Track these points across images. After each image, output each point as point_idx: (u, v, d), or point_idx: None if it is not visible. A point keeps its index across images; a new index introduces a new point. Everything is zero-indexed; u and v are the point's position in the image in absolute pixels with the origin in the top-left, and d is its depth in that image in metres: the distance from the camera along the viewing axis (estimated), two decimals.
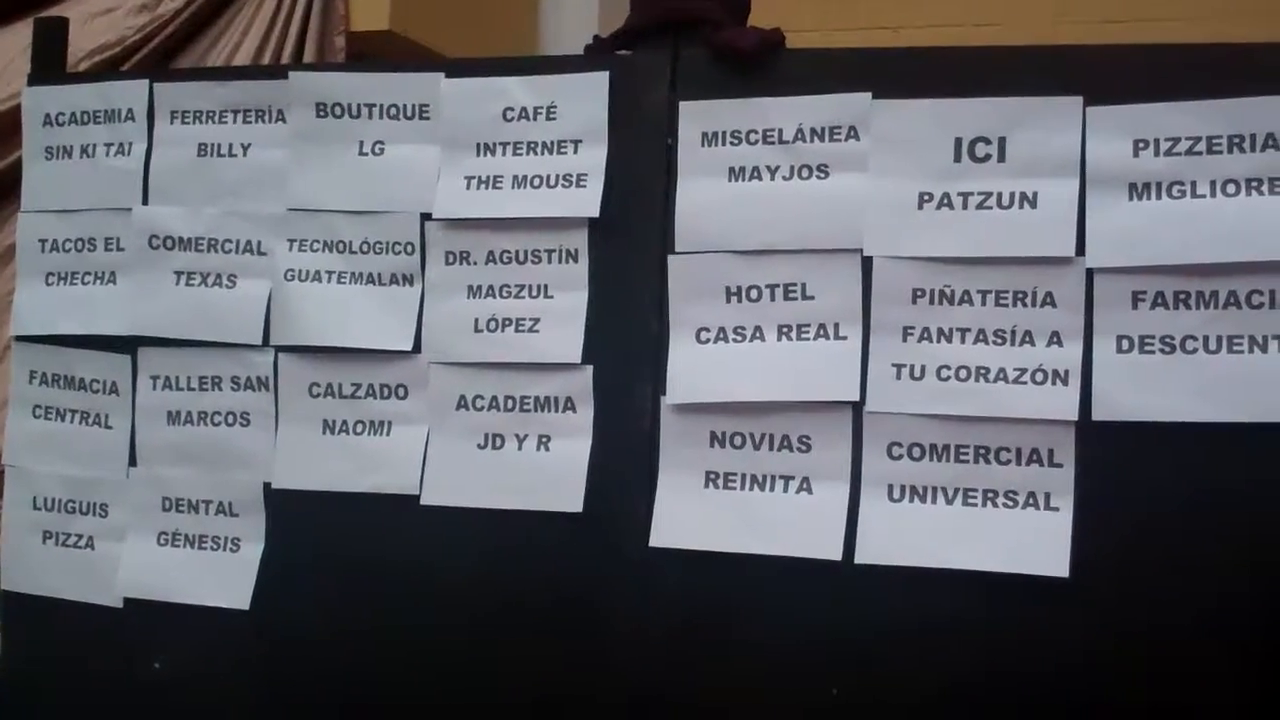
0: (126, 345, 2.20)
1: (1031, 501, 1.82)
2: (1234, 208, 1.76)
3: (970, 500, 1.84)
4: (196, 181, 2.18)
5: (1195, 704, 1.76)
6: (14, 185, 2.34)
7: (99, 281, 2.22)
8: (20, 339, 2.26)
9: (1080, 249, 1.81)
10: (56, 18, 2.35)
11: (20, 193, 2.28)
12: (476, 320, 2.04)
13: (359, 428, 2.09)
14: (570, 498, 1.97)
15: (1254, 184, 1.76)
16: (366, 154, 2.10)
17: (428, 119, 2.07)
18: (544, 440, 2.00)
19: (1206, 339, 1.77)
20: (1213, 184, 1.77)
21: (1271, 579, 1.74)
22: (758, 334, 1.92)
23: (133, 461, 2.20)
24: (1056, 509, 1.81)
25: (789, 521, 1.89)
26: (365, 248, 2.08)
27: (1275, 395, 1.74)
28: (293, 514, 2.12)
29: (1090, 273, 1.81)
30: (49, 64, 2.28)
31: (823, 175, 1.90)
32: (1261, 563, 1.74)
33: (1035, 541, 1.81)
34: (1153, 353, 1.78)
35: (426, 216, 2.06)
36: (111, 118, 2.21)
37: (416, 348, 2.06)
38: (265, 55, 2.90)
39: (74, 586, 2.21)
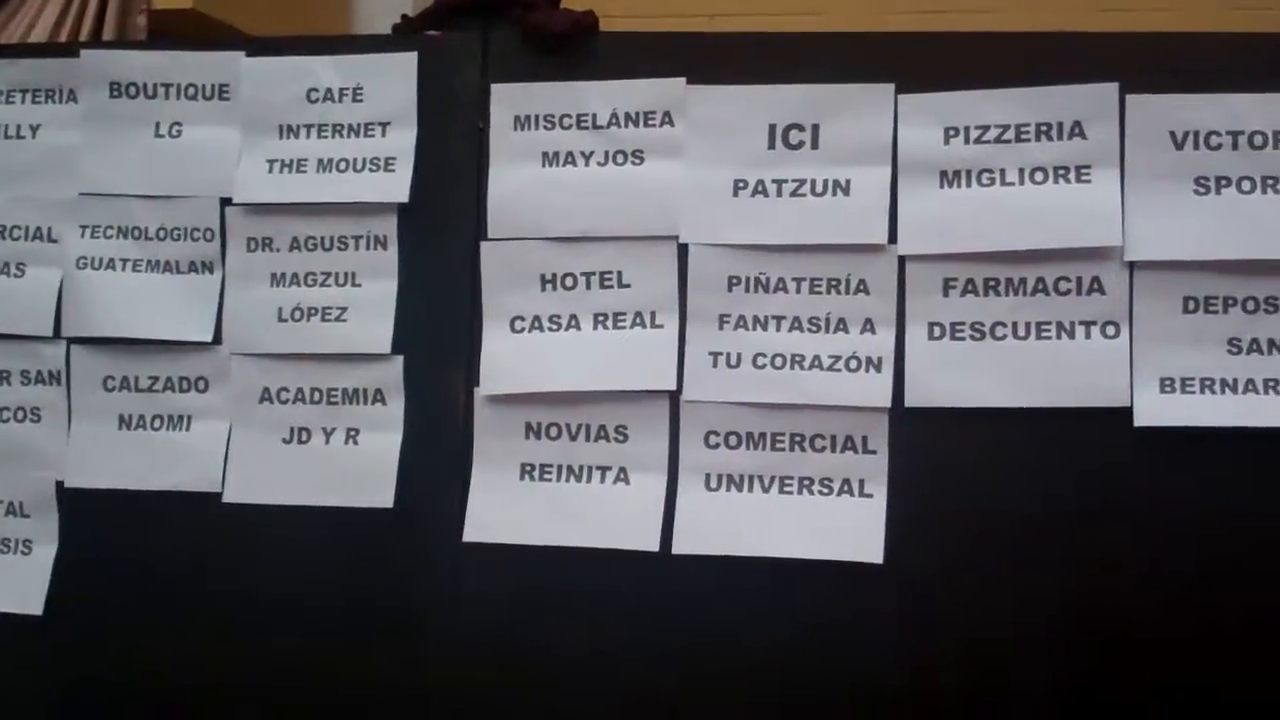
0: None
1: (846, 489, 1.82)
2: (1042, 195, 1.78)
3: (786, 488, 1.83)
4: None
5: (1005, 685, 1.77)
6: None
7: None
8: None
9: (893, 236, 1.81)
10: None
11: None
12: (280, 309, 1.96)
13: (157, 423, 2.00)
14: (380, 493, 1.91)
15: (1061, 172, 1.78)
16: (163, 136, 2.00)
17: (228, 100, 1.99)
18: (352, 434, 1.94)
19: (1016, 325, 1.79)
20: (1021, 171, 1.79)
21: (1079, 559, 1.76)
22: (573, 322, 1.88)
23: None
24: (870, 495, 1.81)
25: (606, 513, 1.86)
26: (162, 234, 1.99)
27: (1083, 380, 1.77)
28: (88, 514, 2.01)
29: (902, 260, 1.81)
30: None
31: (638, 161, 1.87)
32: (1069, 543, 1.77)
33: (850, 528, 1.81)
34: (963, 339, 1.79)
35: (227, 201, 1.98)
36: None
37: (217, 338, 1.98)
38: (62, 34, 2.77)
39: None
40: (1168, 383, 1.76)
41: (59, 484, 2.02)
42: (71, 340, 2.02)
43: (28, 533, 2.03)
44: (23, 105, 2.05)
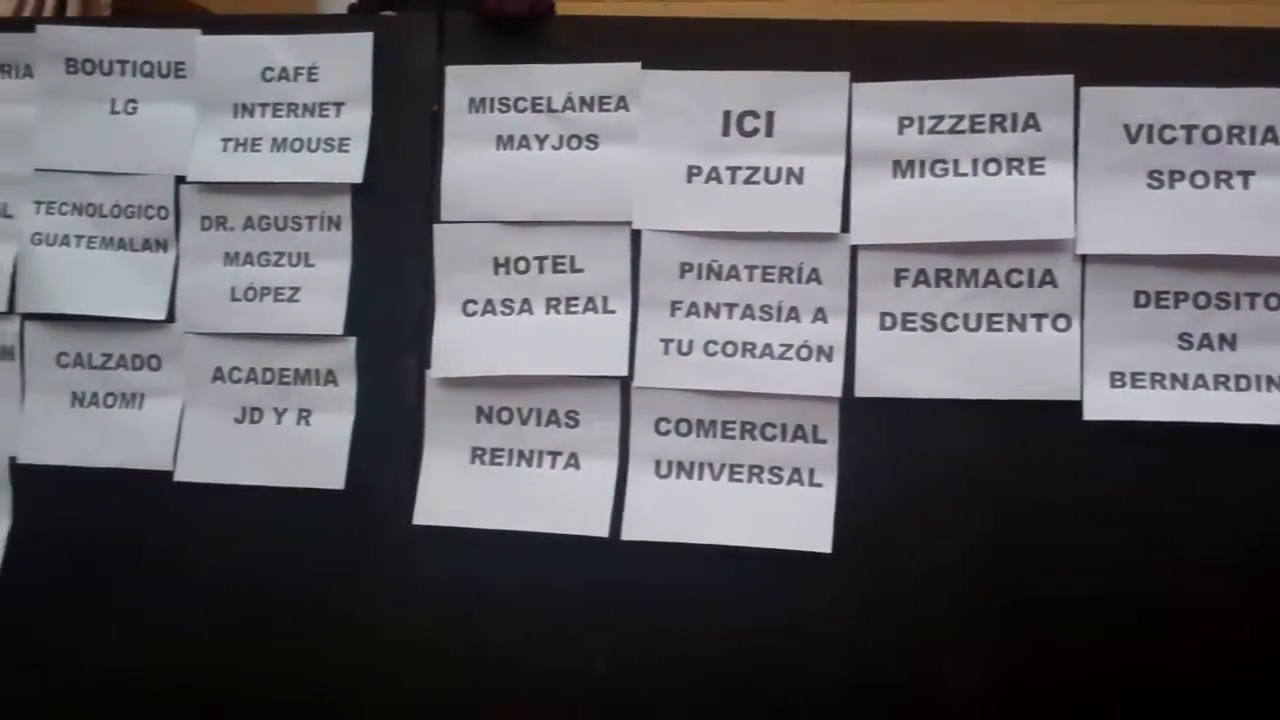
0: None
1: (796, 478, 1.81)
2: (995, 187, 1.78)
3: (736, 476, 1.83)
4: None
5: (949, 675, 1.78)
6: None
7: None
8: None
9: (846, 225, 1.80)
10: None
11: None
12: (234, 289, 1.95)
13: (110, 400, 2.00)
14: (331, 474, 1.91)
15: (1015, 163, 1.77)
16: (119, 113, 1.99)
17: (183, 77, 1.97)
18: (304, 414, 1.93)
19: (967, 317, 1.78)
20: (975, 163, 1.78)
21: (1025, 550, 1.77)
22: (526, 306, 1.88)
23: None
24: (820, 485, 1.81)
25: (556, 498, 1.86)
26: (116, 211, 1.98)
27: (1033, 372, 1.77)
28: (40, 490, 2.01)
29: (854, 249, 1.81)
30: None
31: (592, 146, 1.86)
32: (1016, 535, 1.77)
33: (799, 517, 1.81)
34: (914, 330, 1.79)
35: (181, 180, 1.97)
36: None
37: (171, 317, 1.97)
38: (26, 8, 2.75)
39: None
40: (1118, 377, 1.76)
41: (11, 460, 2.01)
42: (26, 316, 2.02)
43: None
44: None
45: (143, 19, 2.03)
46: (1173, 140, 1.76)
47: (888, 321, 1.80)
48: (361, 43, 1.91)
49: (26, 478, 2.01)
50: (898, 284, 1.79)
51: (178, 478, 1.96)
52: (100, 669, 1.96)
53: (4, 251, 2.02)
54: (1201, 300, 1.76)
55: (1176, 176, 1.76)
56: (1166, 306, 1.76)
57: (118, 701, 1.96)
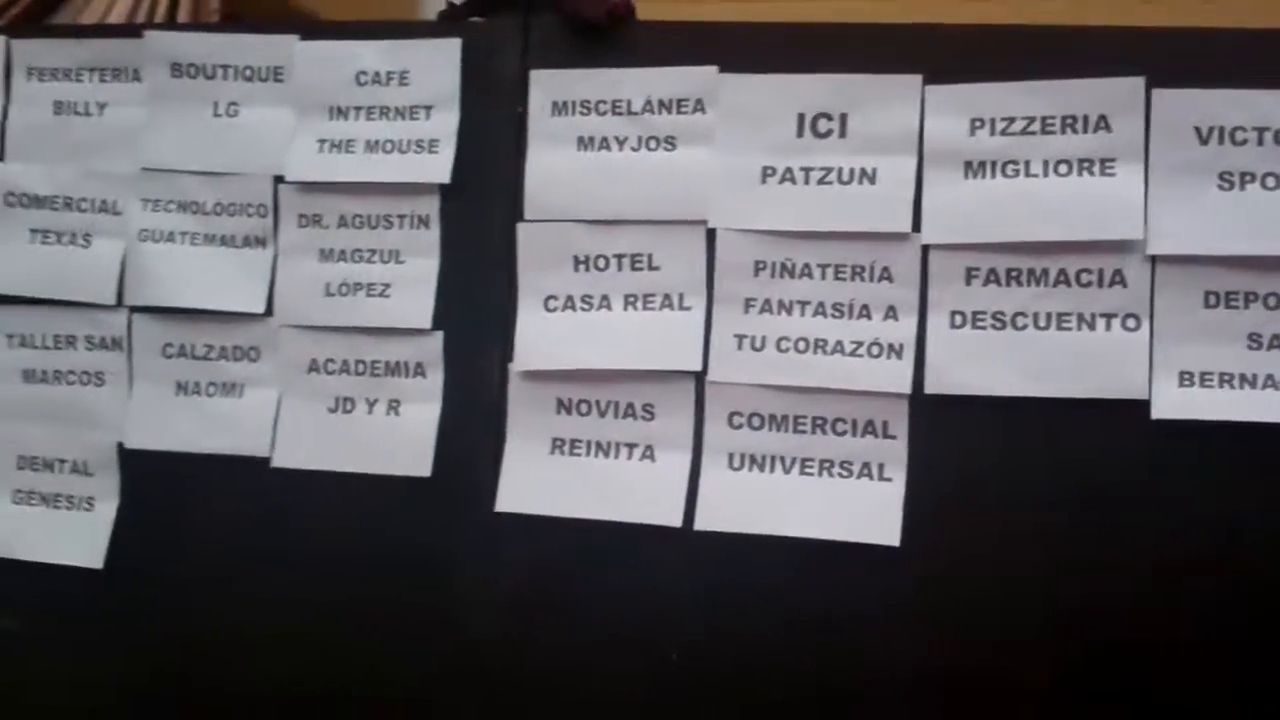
0: None
1: (866, 472, 1.86)
2: (1066, 187, 1.80)
3: (807, 470, 1.88)
4: (53, 140, 2.16)
5: (1016, 672, 1.81)
6: None
7: None
8: None
9: (917, 225, 1.84)
10: None
11: None
12: (328, 284, 2.04)
13: (211, 389, 2.09)
14: (419, 462, 1.99)
15: (1085, 164, 1.79)
16: (221, 115, 2.09)
17: (282, 81, 2.06)
18: (394, 405, 2.02)
19: (1036, 316, 1.81)
20: (1045, 164, 1.81)
21: (1093, 548, 1.79)
22: (604, 303, 1.94)
23: None
24: (890, 480, 1.85)
25: (632, 488, 1.92)
26: (218, 209, 2.08)
27: (1102, 371, 1.79)
28: (146, 474, 2.11)
29: (926, 249, 1.84)
30: None
31: (670, 147, 1.92)
32: (1084, 532, 1.79)
33: (869, 511, 1.85)
34: (984, 328, 1.82)
35: (280, 179, 2.05)
36: None
37: (269, 310, 2.06)
38: (140, 13, 2.86)
39: None
40: (1186, 376, 1.78)
41: (119, 445, 2.12)
42: (133, 309, 2.12)
43: (90, 490, 2.13)
44: (91, 83, 2.14)
45: (244, 25, 2.12)
46: (1244, 142, 1.77)
47: (958, 320, 1.83)
48: (450, 49, 1.98)
49: (133, 462, 2.11)
50: (968, 283, 1.82)
51: (274, 464, 2.05)
52: (199, 644, 2.06)
53: (112, 247, 2.12)
54: (1272, 301, 1.77)
55: (1247, 178, 1.77)
56: (1236, 307, 1.78)
57: (217, 674, 2.05)
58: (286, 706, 2.04)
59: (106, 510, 2.12)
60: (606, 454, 1.94)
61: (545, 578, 1.95)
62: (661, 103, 1.92)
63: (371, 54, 2.02)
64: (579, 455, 1.95)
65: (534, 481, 1.95)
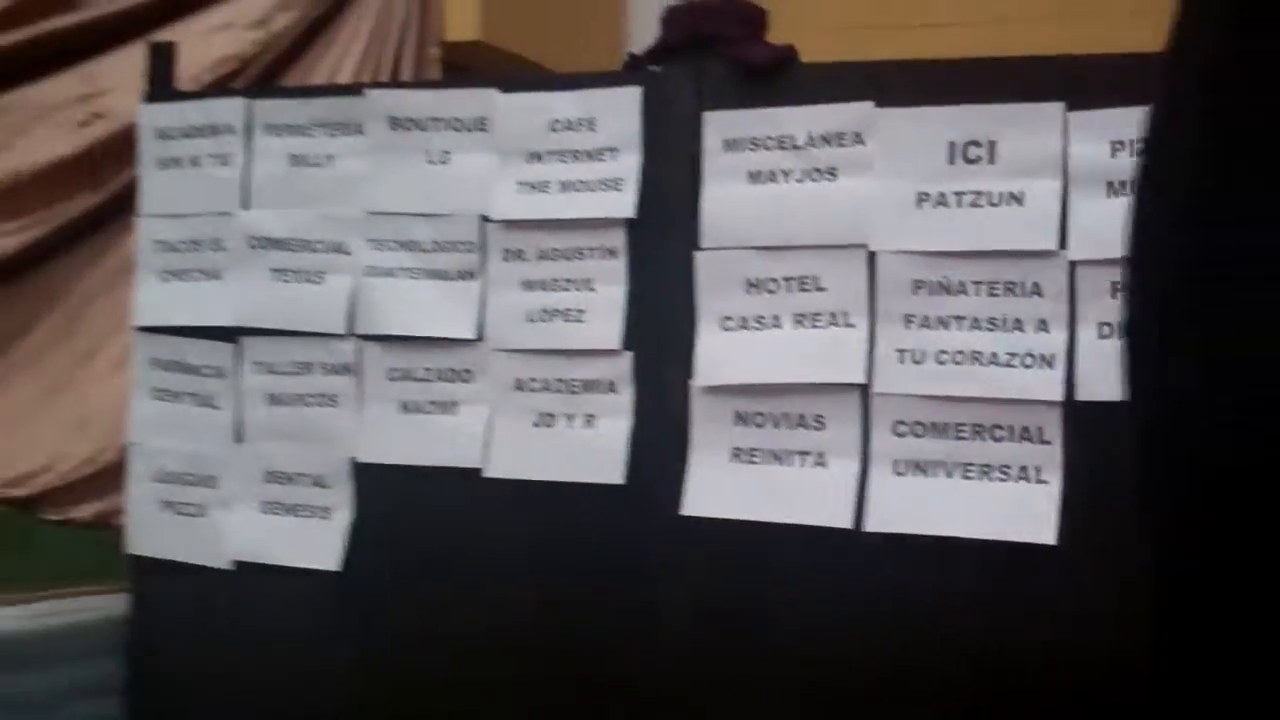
0: (231, 335, 2.47)
1: (1023, 475, 1.99)
2: None
3: (968, 474, 2.02)
4: (289, 188, 2.44)
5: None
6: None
7: (206, 278, 2.49)
8: (140, 329, 2.55)
9: (1064, 243, 1.96)
10: (166, 43, 2.64)
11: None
12: (529, 311, 2.26)
13: (431, 408, 2.34)
14: (613, 470, 2.19)
15: None
16: (434, 163, 2.33)
17: (485, 131, 2.30)
18: (590, 419, 2.23)
19: None
20: None
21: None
22: (776, 322, 2.11)
23: (238, 438, 2.47)
24: (1045, 482, 1.97)
25: (805, 492, 2.09)
26: (433, 246, 2.32)
27: None
28: (375, 485, 2.37)
29: (1073, 265, 1.96)
30: (160, 84, 2.56)
31: (832, 178, 2.08)
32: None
33: (1026, 512, 1.98)
34: None
35: (486, 218, 2.29)
36: (215, 132, 2.48)
37: (480, 336, 2.30)
38: (367, 68, 3.15)
39: (189, 549, 2.50)
40: None
41: (352, 460, 2.39)
42: (362, 337, 2.38)
43: (327, 501, 2.40)
44: (321, 138, 2.42)
45: (451, 81, 2.37)
46: None
47: (1105, 331, 1.95)
48: (632, 96, 2.19)
49: (364, 475, 2.38)
50: (1114, 295, 1.94)
51: (486, 474, 2.28)
52: (420, 637, 2.30)
53: (343, 283, 2.39)
54: None
55: None
56: None
57: (437, 665, 2.29)
58: (498, 697, 2.27)
59: (341, 518, 2.39)
60: (781, 461, 2.11)
61: (727, 573, 2.13)
62: (823, 137, 2.08)
63: (562, 103, 2.24)
64: (757, 463, 2.12)
65: (716, 487, 2.14)
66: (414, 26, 3.19)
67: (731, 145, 2.14)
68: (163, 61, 2.58)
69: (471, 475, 2.29)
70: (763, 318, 2.12)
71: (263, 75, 3.38)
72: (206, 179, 2.49)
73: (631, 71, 2.23)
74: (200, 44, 3.39)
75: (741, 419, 2.13)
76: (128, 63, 3.03)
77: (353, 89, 2.45)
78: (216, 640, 2.47)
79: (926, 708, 2.04)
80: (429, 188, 2.34)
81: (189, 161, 2.51)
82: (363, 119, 2.39)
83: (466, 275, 2.31)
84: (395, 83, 2.64)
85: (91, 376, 3.59)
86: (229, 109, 2.48)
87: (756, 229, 2.12)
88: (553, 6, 3.55)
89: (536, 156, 2.26)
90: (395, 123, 2.36)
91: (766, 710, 2.12)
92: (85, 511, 3.60)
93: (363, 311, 2.38)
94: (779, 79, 2.12)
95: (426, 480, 2.33)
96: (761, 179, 2.12)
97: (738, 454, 2.13)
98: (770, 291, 2.12)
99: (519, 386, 2.28)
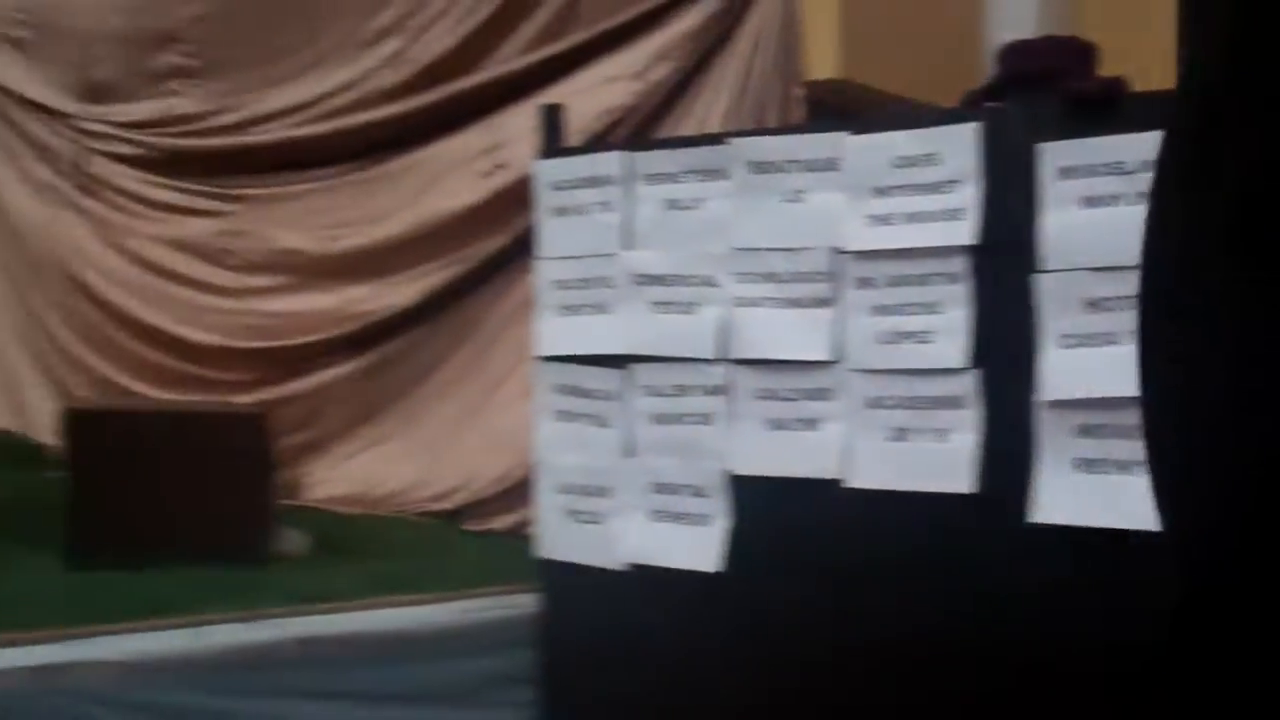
0: (619, 361, 2.77)
1: None
2: None
3: None
4: (665, 230, 2.72)
5: None
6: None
7: (596, 312, 2.81)
8: (542, 359, 2.90)
9: None
10: (554, 105, 2.98)
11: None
12: (881, 334, 2.46)
13: (795, 424, 2.57)
14: (963, 480, 2.36)
15: None
16: (790, 201, 2.56)
17: (836, 170, 2.51)
18: (940, 433, 2.40)
19: None
20: None
21: None
22: (1114, 339, 2.23)
23: (627, 454, 2.77)
24: None
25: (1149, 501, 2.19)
26: (791, 278, 2.55)
27: None
28: (748, 495, 2.62)
29: None
30: (551, 141, 2.90)
31: None
32: None
33: None
34: None
35: (838, 250, 2.50)
36: (599, 183, 2.80)
37: (837, 358, 2.51)
38: (736, 112, 3.42)
39: (589, 553, 2.82)
40: None
41: (727, 472, 2.64)
42: (731, 362, 2.64)
43: (706, 509, 2.67)
44: (691, 183, 2.69)
45: (803, 126, 2.59)
46: None
47: None
48: (971, 131, 2.36)
49: (738, 485, 2.63)
50: None
51: (846, 484, 2.49)
52: (788, 628, 2.53)
53: (713, 313, 2.65)
54: None
55: None
56: None
57: (802, 652, 2.52)
58: (855, 687, 2.47)
59: (720, 525, 2.65)
60: (1127, 471, 2.22)
61: (1071, 574, 2.26)
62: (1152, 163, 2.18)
63: (906, 141, 2.43)
64: (1102, 473, 2.24)
65: (1062, 495, 2.27)
66: (779, 69, 3.43)
67: (1067, 173, 2.27)
68: (552, 121, 2.91)
69: (831, 485, 2.50)
70: (1103, 335, 2.24)
71: (642, 122, 3.73)
72: (593, 224, 2.81)
73: (969, 108, 2.39)
74: (589, 97, 3.77)
75: (1085, 431, 2.26)
76: (526, 117, 3.40)
77: (716, 138, 2.71)
78: (615, 632, 2.78)
79: None
80: (786, 224, 2.57)
81: (577, 209, 2.83)
82: (727, 164, 2.64)
83: (822, 303, 2.53)
84: (754, 130, 2.88)
85: (500, 402, 4.04)
86: (610, 162, 2.79)
87: (1094, 251, 2.24)
88: (911, 42, 3.73)
89: (883, 191, 2.46)
90: (755, 166, 2.61)
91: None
92: (501, 523, 4.05)
93: (732, 339, 2.63)
94: (1109, 109, 2.23)
95: (792, 490, 2.55)
96: (1096, 204, 2.24)
97: (1083, 464, 2.26)
98: (1108, 310, 2.23)
99: (874, 404, 2.48)
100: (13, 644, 2.50)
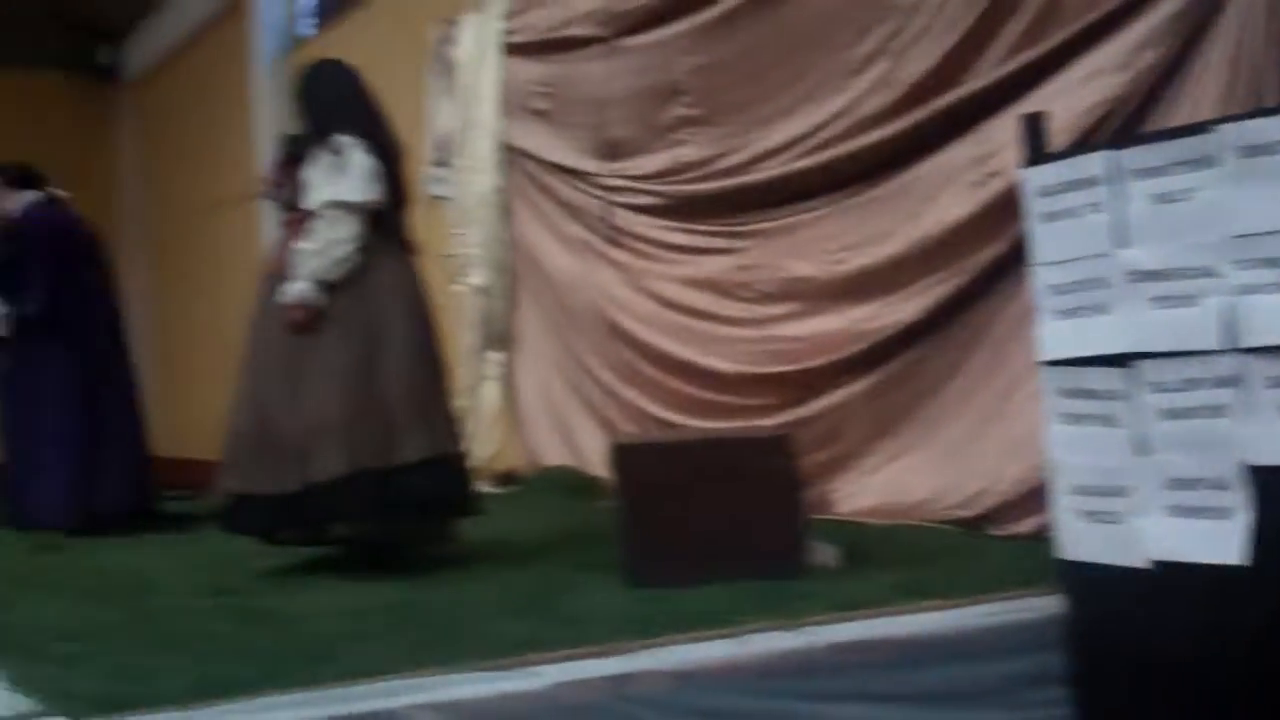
0: (1123, 361, 2.78)
1: None
2: None
3: None
4: (1157, 224, 2.71)
5: None
6: None
7: (1095, 312, 2.83)
8: (1046, 364, 2.95)
9: None
10: (1033, 113, 3.03)
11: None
12: None
13: None
14: None
15: None
16: None
17: None
18: None
19: None
20: None
21: None
22: None
23: (1139, 452, 2.77)
24: None
25: None
26: None
27: None
28: (1270, 486, 2.56)
29: None
30: (1034, 149, 2.95)
31: None
32: None
33: None
34: None
35: None
36: (1085, 184, 2.82)
37: None
38: (1234, 90, 3.30)
39: (1109, 552, 2.83)
40: None
41: (1246, 463, 2.59)
42: (1240, 351, 2.58)
43: (1226, 502, 2.63)
44: (1180, 175, 2.67)
45: None
46: None
47: None
48: None
49: (1259, 476, 2.58)
50: None
51: None
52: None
53: (1214, 304, 2.61)
54: None
55: None
56: None
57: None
58: None
59: (1241, 518, 2.60)
60: None
61: None
62: None
63: None
64: None
65: None
66: (1272, 42, 3.30)
67: None
68: (1033, 129, 2.96)
69: None
70: None
71: (1133, 114, 3.67)
72: (1085, 226, 2.83)
73: None
74: (1075, 94, 3.77)
75: None
76: (1012, 123, 3.45)
77: (1202, 127, 2.67)
78: (1142, 631, 2.78)
79: None
80: None
81: (1068, 213, 2.87)
82: (1217, 151, 2.60)
83: None
84: (1243, 114, 2.81)
85: (1016, 407, 4.07)
86: (1095, 163, 2.81)
87: None
88: None
89: None
90: (1247, 150, 2.55)
91: None
92: (1024, 526, 4.08)
93: (1241, 328, 2.58)
94: None
95: None
96: None
97: None
98: None
99: None
100: (587, 656, 2.81)
